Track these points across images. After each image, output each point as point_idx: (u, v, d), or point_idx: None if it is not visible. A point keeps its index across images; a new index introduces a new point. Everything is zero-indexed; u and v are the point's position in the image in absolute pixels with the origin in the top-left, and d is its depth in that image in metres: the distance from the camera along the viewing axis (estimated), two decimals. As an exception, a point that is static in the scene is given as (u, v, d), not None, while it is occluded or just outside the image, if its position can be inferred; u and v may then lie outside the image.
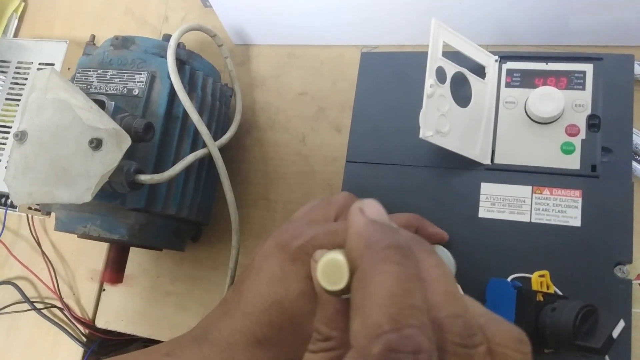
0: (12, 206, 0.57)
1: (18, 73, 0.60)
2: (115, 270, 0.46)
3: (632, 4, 0.41)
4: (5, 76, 0.60)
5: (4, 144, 0.58)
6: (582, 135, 0.36)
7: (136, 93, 0.43)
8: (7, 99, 0.60)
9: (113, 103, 0.41)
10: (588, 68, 0.38)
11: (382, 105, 0.42)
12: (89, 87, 0.44)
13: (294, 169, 0.51)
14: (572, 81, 0.38)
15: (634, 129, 0.37)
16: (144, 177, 0.39)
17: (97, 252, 0.56)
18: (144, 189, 0.41)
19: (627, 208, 0.34)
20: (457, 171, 0.38)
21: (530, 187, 0.36)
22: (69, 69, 0.59)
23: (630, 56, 0.37)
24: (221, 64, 0.53)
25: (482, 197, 0.37)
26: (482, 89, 0.39)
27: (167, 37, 0.46)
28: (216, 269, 0.51)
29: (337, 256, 0.19)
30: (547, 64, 0.39)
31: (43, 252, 0.57)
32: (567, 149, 0.36)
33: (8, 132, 0.58)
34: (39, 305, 0.56)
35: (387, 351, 0.15)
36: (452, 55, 0.37)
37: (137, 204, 0.41)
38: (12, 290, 0.57)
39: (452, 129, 0.36)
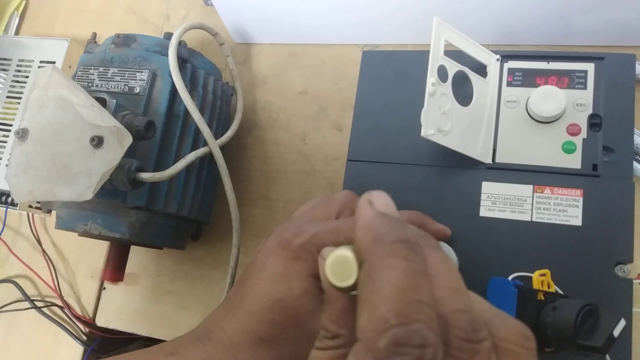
0: (13, 204, 0.57)
1: (19, 71, 0.60)
2: (115, 268, 0.46)
3: (634, 4, 0.41)
4: (7, 74, 0.60)
5: (5, 141, 0.58)
6: (584, 134, 0.36)
7: (137, 91, 0.43)
8: (8, 97, 0.60)
9: (114, 101, 0.41)
10: (589, 67, 0.38)
11: (383, 104, 0.42)
12: (90, 85, 0.44)
13: (295, 167, 0.51)
14: (574, 80, 0.38)
15: (635, 129, 0.37)
16: (145, 175, 0.39)
17: (97, 251, 0.56)
18: (144, 187, 0.41)
19: (628, 207, 0.34)
20: (458, 170, 0.38)
21: (531, 186, 0.36)
22: (70, 67, 0.59)
23: (632, 56, 0.37)
24: (222, 63, 0.53)
25: (483, 196, 0.37)
26: (484, 88, 0.39)
27: (168, 36, 0.46)
28: (217, 268, 0.51)
29: (346, 252, 0.19)
30: (548, 63, 0.39)
31: (43, 251, 0.57)
32: (568, 148, 0.36)
33: (9, 130, 0.58)
34: (39, 304, 0.56)
35: (394, 345, 0.15)
36: (454, 54, 0.37)
37: (138, 202, 0.41)
38: (12, 288, 0.57)
39: (454, 128, 0.36)
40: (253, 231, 0.51)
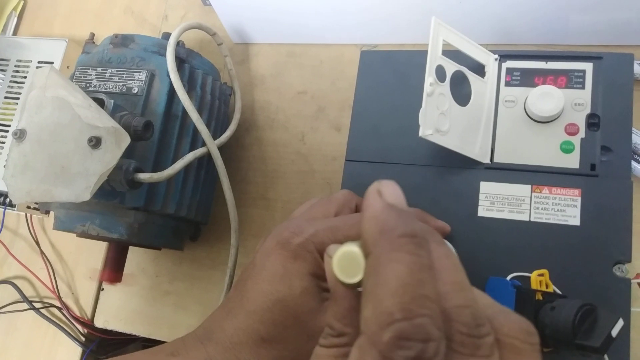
0: (11, 205, 0.57)
1: (17, 71, 0.60)
2: (114, 269, 0.46)
3: (632, 3, 0.41)
4: (4, 74, 0.60)
5: (3, 142, 0.58)
6: (582, 134, 0.36)
7: (135, 91, 0.43)
8: (6, 97, 0.59)
9: (112, 101, 0.41)
10: (588, 67, 0.38)
11: (381, 104, 0.42)
12: (88, 85, 0.44)
13: (294, 168, 0.51)
14: (572, 80, 0.38)
15: (633, 128, 0.37)
16: (143, 176, 0.39)
17: (96, 251, 0.56)
18: (143, 187, 0.41)
19: (626, 207, 0.34)
20: (457, 170, 0.38)
21: (529, 186, 0.36)
22: (68, 67, 0.59)
23: (630, 55, 0.37)
24: (220, 63, 0.53)
25: (481, 196, 0.37)
26: (482, 88, 0.39)
27: (166, 36, 0.46)
28: (215, 269, 0.51)
29: (353, 248, 0.19)
30: (546, 62, 0.39)
31: (42, 251, 0.57)
32: (566, 148, 0.36)
33: (7, 131, 0.58)
34: (37, 305, 0.56)
35: (398, 339, 0.15)
36: (452, 53, 0.37)
37: (136, 203, 0.41)
38: (10, 289, 0.57)
39: (452, 128, 0.36)
40: (251, 231, 0.51)
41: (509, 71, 0.39)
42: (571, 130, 0.37)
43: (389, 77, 0.42)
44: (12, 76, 0.60)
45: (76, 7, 0.67)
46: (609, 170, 0.35)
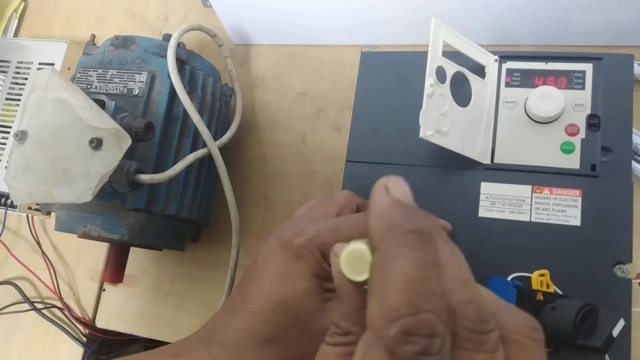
0: (12, 206, 0.57)
1: (18, 73, 0.60)
2: (115, 270, 0.46)
3: (632, 3, 0.41)
4: (5, 76, 0.60)
5: (4, 143, 0.58)
6: (582, 134, 0.37)
7: (136, 93, 0.43)
8: (7, 99, 0.60)
9: (113, 103, 0.41)
10: (588, 68, 0.38)
11: (382, 105, 0.42)
12: (89, 86, 0.44)
13: (294, 168, 0.52)
14: (572, 81, 0.38)
15: (633, 129, 0.37)
16: (144, 177, 0.39)
17: (97, 252, 0.56)
18: (144, 188, 0.41)
19: (626, 207, 0.34)
20: (457, 171, 0.38)
21: (530, 187, 0.36)
22: (69, 68, 0.59)
23: (630, 56, 0.37)
24: (221, 64, 0.54)
25: (482, 197, 0.37)
26: (482, 89, 0.39)
27: (167, 37, 0.46)
28: (216, 269, 0.51)
29: (360, 246, 0.19)
30: (547, 63, 0.39)
31: (43, 252, 0.57)
32: (566, 149, 0.37)
33: (8, 132, 0.58)
34: (39, 306, 0.56)
35: (404, 334, 0.15)
36: (452, 55, 0.37)
37: (137, 204, 0.41)
38: (12, 290, 0.57)
39: (452, 129, 0.36)
40: (252, 232, 0.51)
41: (509, 72, 0.39)
42: (571, 130, 0.37)
43: (390, 78, 0.42)
44: (13, 78, 0.60)
45: (76, 8, 0.67)
46: (609, 170, 0.35)
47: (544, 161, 0.37)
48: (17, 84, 0.60)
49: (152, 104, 0.43)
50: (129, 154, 0.38)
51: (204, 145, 0.46)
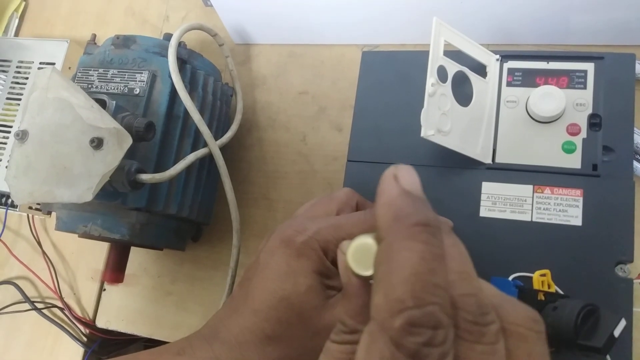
0: (13, 206, 0.57)
1: (19, 72, 0.60)
2: (115, 269, 0.46)
3: (634, 3, 0.41)
4: (6, 75, 0.60)
5: (5, 143, 0.58)
6: (583, 134, 0.36)
7: (137, 92, 0.43)
8: (7, 99, 0.60)
9: (114, 102, 0.41)
10: (589, 67, 0.38)
11: (383, 104, 0.42)
12: (90, 86, 0.44)
13: (295, 168, 0.51)
14: (573, 80, 0.38)
15: (635, 128, 0.37)
16: (145, 177, 0.39)
17: (97, 252, 0.56)
18: (144, 188, 0.41)
19: (628, 207, 0.34)
20: (458, 170, 0.38)
21: (531, 186, 0.36)
22: (69, 68, 0.59)
23: (632, 55, 0.37)
24: (222, 63, 0.53)
25: (483, 196, 0.37)
26: (484, 88, 0.39)
27: (168, 37, 0.46)
28: (217, 269, 0.51)
29: (368, 240, 0.19)
30: (548, 63, 0.39)
31: (44, 252, 0.57)
32: (568, 148, 0.36)
33: (9, 132, 0.58)
34: (39, 305, 0.56)
35: (409, 325, 0.15)
36: (453, 54, 0.37)
37: (138, 204, 0.41)
38: (12, 290, 0.57)
39: (454, 128, 0.36)
40: (253, 232, 0.51)
41: (511, 71, 0.39)
42: (573, 130, 0.37)
43: (391, 78, 0.42)
44: (13, 77, 0.60)
45: (77, 8, 0.67)
46: (610, 170, 0.35)
47: (545, 161, 0.37)
48: (17, 83, 0.60)
49: (153, 103, 0.43)
50: (130, 154, 0.38)
51: (205, 144, 0.46)
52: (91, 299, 0.55)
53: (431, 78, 0.35)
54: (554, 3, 0.43)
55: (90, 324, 0.54)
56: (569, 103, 0.37)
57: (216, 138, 0.47)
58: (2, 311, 0.57)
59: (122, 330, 0.53)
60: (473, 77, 0.38)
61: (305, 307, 0.28)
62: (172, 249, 0.49)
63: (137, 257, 0.53)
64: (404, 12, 0.47)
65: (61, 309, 0.55)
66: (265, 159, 0.53)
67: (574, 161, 0.36)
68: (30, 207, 0.56)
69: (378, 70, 0.43)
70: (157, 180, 0.40)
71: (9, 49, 0.61)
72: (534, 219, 0.36)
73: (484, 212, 0.37)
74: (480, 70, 0.39)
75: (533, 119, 0.38)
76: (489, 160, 0.38)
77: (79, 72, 0.45)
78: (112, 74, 0.44)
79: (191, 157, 0.44)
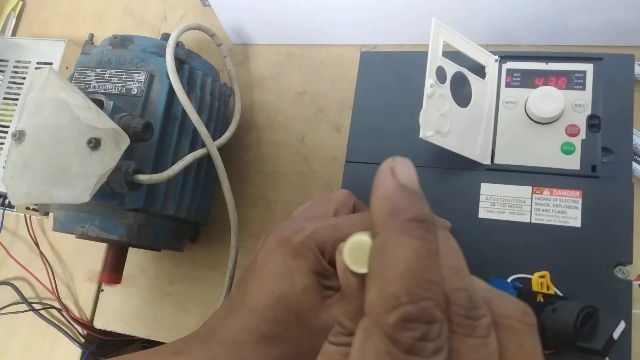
0: (10, 206, 0.56)
1: (16, 72, 0.60)
2: (113, 270, 0.46)
3: (632, 3, 0.41)
4: (3, 75, 0.60)
5: (2, 143, 0.58)
6: (582, 135, 0.36)
7: (135, 92, 0.42)
8: (5, 98, 0.59)
9: (112, 102, 0.40)
10: (588, 68, 0.38)
11: (381, 105, 0.41)
12: (87, 86, 0.44)
13: (293, 168, 0.51)
14: (572, 81, 0.38)
15: (634, 129, 0.37)
16: (143, 177, 0.39)
17: (95, 253, 0.56)
18: (142, 189, 0.41)
19: (627, 208, 0.34)
20: (457, 171, 0.38)
21: (530, 188, 0.36)
22: (67, 68, 0.59)
23: (631, 56, 0.37)
24: (220, 64, 0.53)
25: (482, 198, 0.37)
26: (482, 89, 0.39)
27: (165, 37, 0.46)
28: (215, 270, 0.51)
29: (364, 237, 0.19)
30: (547, 63, 0.38)
31: (41, 253, 0.57)
32: (567, 149, 0.36)
33: (6, 132, 0.58)
34: (36, 306, 0.55)
35: (403, 321, 0.15)
36: (452, 55, 0.37)
37: (135, 204, 0.41)
38: (9, 290, 0.57)
39: (452, 129, 0.36)
40: (252, 232, 0.51)
41: (510, 72, 0.39)
42: (572, 131, 0.37)
43: (389, 78, 0.42)
44: (11, 77, 0.60)
45: (75, 7, 0.67)
46: (609, 171, 0.35)
47: (544, 162, 0.36)
48: (15, 83, 0.60)
49: (150, 103, 0.43)
50: (128, 154, 0.38)
51: (203, 145, 0.46)
52: (89, 300, 0.55)
53: (430, 79, 0.35)
54: (553, 4, 0.43)
55: (87, 325, 0.54)
56: (568, 104, 0.37)
57: (214, 138, 0.47)
58: (-1, 312, 0.57)
59: (120, 332, 0.53)
60: (472, 77, 0.38)
61: (302, 307, 0.28)
62: (170, 249, 0.49)
63: (135, 258, 0.53)
64: (403, 12, 0.47)
65: (59, 310, 0.55)
66: (264, 159, 0.53)
67: (573, 162, 0.36)
68: (27, 208, 0.56)
69: (377, 70, 0.43)
70: (154, 181, 0.40)
71: (6, 49, 0.61)
72: (532, 220, 0.36)
73: (482, 214, 0.37)
74: (479, 71, 0.39)
75: (532, 120, 0.38)
76: (487, 161, 0.38)
77: (77, 72, 0.45)
78: (109, 74, 0.43)
79: (189, 158, 0.43)
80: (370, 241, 0.18)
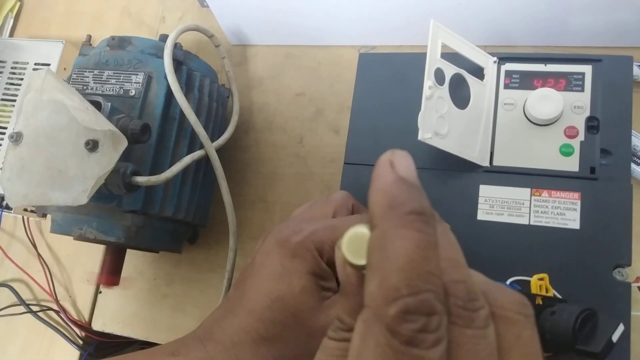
0: (8, 208, 0.56)
1: (13, 73, 0.60)
2: (111, 272, 0.46)
3: (631, 4, 0.41)
4: (1, 76, 0.60)
5: (0, 145, 0.58)
6: (581, 137, 0.36)
7: (133, 94, 0.42)
8: (2, 100, 0.59)
9: (109, 104, 0.40)
10: (587, 69, 0.37)
11: (380, 106, 0.41)
12: (85, 87, 0.44)
13: (292, 170, 0.51)
14: (571, 83, 0.38)
15: (632, 131, 0.37)
16: (141, 179, 0.39)
17: (93, 254, 0.56)
18: (140, 190, 0.41)
19: (626, 210, 0.34)
20: (456, 173, 0.38)
21: (529, 190, 0.36)
22: (65, 69, 0.59)
23: (629, 58, 0.37)
24: (218, 65, 0.53)
25: (480, 200, 0.37)
26: (481, 91, 0.39)
27: (163, 38, 0.45)
28: (213, 271, 0.51)
29: (363, 229, 0.19)
30: (545, 65, 0.38)
31: (39, 254, 0.57)
32: (566, 151, 0.36)
33: (3, 134, 0.58)
34: (34, 308, 0.55)
35: (404, 313, 0.15)
36: (451, 56, 0.37)
37: (133, 206, 0.41)
38: (7, 292, 0.57)
39: (451, 131, 0.36)
40: (250, 234, 0.50)
41: (508, 74, 0.39)
42: (571, 133, 0.37)
43: (388, 80, 0.42)
44: (8, 78, 0.60)
45: (73, 8, 0.67)
46: (608, 173, 0.35)
47: (543, 164, 0.36)
48: (12, 84, 0.59)
49: (148, 105, 0.43)
50: (125, 156, 0.38)
51: (201, 146, 0.46)
52: (87, 302, 0.54)
53: (428, 81, 0.34)
54: (552, 5, 0.43)
55: (86, 327, 0.54)
56: (567, 106, 0.37)
57: (212, 140, 0.47)
58: (-3, 314, 0.56)
59: (118, 333, 0.53)
60: (470, 79, 0.38)
61: (300, 308, 0.28)
62: (168, 251, 0.49)
63: (133, 259, 0.53)
64: (401, 13, 0.47)
65: (57, 312, 0.55)
66: (262, 160, 0.53)
67: (571, 164, 0.36)
68: (25, 210, 0.56)
69: (375, 72, 0.43)
70: (152, 182, 0.40)
71: (3, 50, 0.61)
72: (531, 223, 0.35)
73: (481, 216, 0.37)
74: (478, 72, 0.39)
75: (531, 121, 0.38)
76: (486, 163, 0.38)
77: (74, 74, 0.44)
78: (107, 75, 0.43)
79: (187, 159, 0.43)
80: (369, 233, 0.18)
